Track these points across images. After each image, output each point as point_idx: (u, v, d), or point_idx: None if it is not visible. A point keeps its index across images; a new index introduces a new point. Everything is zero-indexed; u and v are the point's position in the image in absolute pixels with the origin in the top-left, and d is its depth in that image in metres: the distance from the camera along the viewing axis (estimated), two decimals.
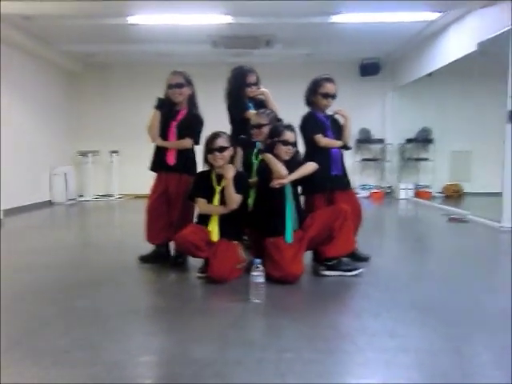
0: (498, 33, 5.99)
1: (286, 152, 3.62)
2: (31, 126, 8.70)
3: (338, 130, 4.15)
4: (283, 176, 3.55)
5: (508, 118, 5.79)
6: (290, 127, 3.70)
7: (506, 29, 5.80)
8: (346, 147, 4.17)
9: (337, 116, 4.20)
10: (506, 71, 5.77)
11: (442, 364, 2.15)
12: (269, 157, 3.60)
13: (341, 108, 4.15)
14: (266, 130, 3.88)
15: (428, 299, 3.13)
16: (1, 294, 3.23)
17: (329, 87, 4.02)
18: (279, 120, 4.05)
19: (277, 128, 3.70)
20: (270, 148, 3.66)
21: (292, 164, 3.66)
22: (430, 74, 8.84)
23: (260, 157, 3.87)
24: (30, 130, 8.60)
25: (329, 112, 4.16)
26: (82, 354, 2.27)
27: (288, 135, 3.63)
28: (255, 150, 4.05)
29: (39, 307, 3.02)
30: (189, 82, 4.09)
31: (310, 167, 3.69)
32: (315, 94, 4.05)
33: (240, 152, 4.07)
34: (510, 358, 2.20)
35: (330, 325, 2.66)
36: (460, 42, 7.31)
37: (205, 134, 3.92)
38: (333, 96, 4.04)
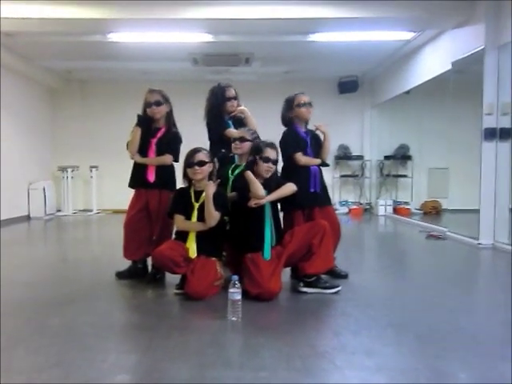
0: (471, 52, 6.11)
1: (266, 170, 3.63)
2: (11, 141, 8.60)
3: (317, 146, 4.18)
4: (260, 197, 3.56)
5: (483, 136, 5.89)
6: (271, 145, 3.71)
7: (479, 48, 5.92)
8: (323, 164, 4.20)
9: (317, 132, 4.23)
10: (481, 89, 5.88)
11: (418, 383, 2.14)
12: (249, 175, 3.60)
13: (321, 123, 4.17)
14: (246, 145, 3.89)
15: (405, 317, 3.14)
16: None
17: (303, 97, 4.08)
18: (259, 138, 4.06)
19: (258, 145, 3.71)
20: (250, 165, 3.67)
21: (271, 183, 3.67)
22: (407, 92, 8.97)
23: (236, 171, 3.89)
24: (9, 144, 8.49)
25: (310, 127, 4.19)
26: (55, 373, 2.22)
27: (269, 152, 3.64)
28: (232, 166, 4.05)
29: (13, 324, 2.95)
30: (166, 100, 4.11)
31: (289, 189, 3.69)
32: (292, 108, 4.09)
33: (216, 166, 4.07)
34: (484, 376, 2.22)
35: (308, 343, 2.64)
36: (435, 60, 7.46)
37: (184, 150, 3.90)
38: (309, 103, 4.09)
